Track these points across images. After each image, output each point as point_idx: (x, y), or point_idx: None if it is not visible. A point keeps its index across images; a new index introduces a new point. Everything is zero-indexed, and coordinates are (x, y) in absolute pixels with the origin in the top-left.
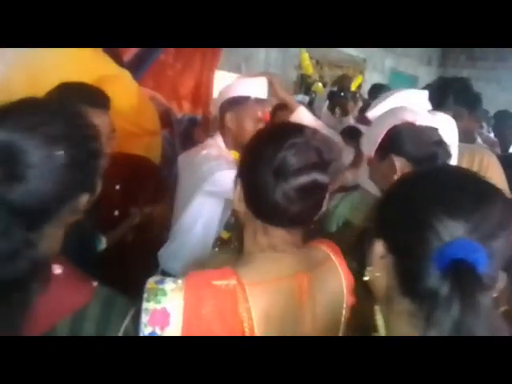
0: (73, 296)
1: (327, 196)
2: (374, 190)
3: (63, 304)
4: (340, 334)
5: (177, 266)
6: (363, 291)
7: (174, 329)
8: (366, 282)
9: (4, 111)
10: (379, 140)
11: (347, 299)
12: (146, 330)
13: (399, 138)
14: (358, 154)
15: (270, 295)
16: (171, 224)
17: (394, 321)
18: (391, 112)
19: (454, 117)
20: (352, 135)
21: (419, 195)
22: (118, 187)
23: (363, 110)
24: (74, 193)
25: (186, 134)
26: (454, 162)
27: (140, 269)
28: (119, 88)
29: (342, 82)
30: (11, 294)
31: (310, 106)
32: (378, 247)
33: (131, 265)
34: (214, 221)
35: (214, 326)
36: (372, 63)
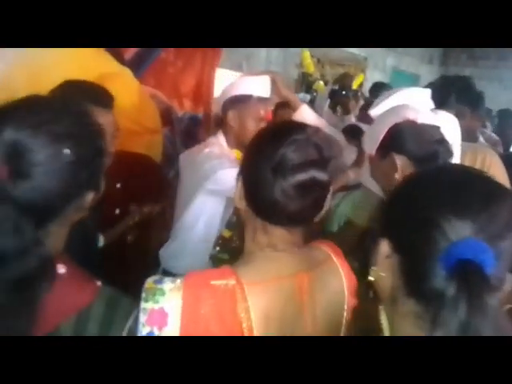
0: (77, 295)
1: (329, 196)
2: (375, 188)
3: (67, 304)
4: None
5: (178, 264)
6: (366, 292)
7: (172, 329)
8: (369, 282)
9: (9, 109)
10: (380, 138)
11: (348, 301)
12: (143, 330)
13: (400, 136)
14: (360, 153)
15: (269, 295)
16: (172, 222)
17: (398, 322)
18: (393, 110)
19: (457, 115)
20: (353, 134)
21: (426, 194)
22: (118, 185)
23: (364, 108)
24: (80, 191)
25: (187, 132)
26: (456, 160)
27: (140, 268)
28: (120, 86)
29: (344, 81)
30: (19, 292)
31: (312, 104)
32: (384, 247)
33: (131, 264)
34: (215, 219)
35: (212, 326)
36: (373, 62)
